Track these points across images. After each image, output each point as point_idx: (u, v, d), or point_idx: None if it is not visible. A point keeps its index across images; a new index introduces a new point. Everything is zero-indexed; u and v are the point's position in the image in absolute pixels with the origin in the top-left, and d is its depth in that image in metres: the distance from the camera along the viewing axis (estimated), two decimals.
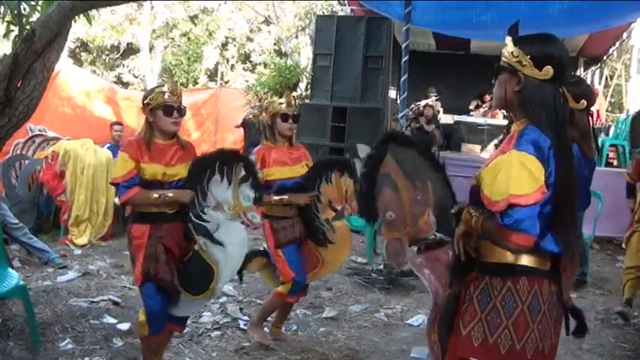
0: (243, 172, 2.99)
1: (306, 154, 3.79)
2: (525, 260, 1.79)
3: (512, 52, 1.82)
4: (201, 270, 2.91)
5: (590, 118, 2.78)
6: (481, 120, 9.66)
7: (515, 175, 1.70)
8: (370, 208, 2.37)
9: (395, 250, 2.36)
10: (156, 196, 2.85)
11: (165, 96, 2.90)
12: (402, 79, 6.49)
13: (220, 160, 2.96)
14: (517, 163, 1.71)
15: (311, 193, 3.59)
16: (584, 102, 2.70)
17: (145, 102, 2.93)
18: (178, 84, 3.09)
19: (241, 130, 10.59)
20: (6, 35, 3.93)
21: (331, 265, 3.80)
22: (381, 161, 2.35)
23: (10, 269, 3.53)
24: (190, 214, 2.89)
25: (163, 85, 2.99)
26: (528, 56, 1.78)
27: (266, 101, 3.96)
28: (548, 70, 1.77)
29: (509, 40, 1.84)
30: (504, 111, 2.14)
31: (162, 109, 2.89)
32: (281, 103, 3.63)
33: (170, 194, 2.87)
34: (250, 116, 10.13)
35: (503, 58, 1.86)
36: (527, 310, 1.76)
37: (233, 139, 11.32)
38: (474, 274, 1.87)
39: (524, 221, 1.67)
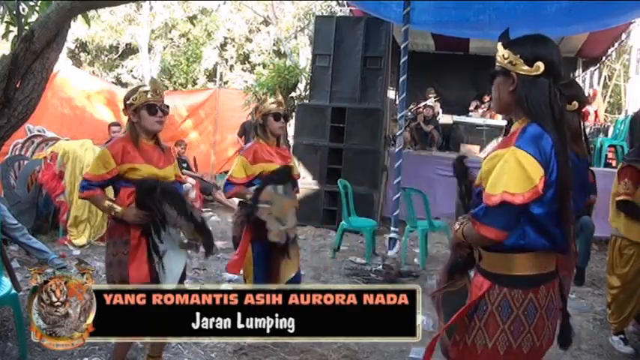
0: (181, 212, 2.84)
1: (291, 156, 3.93)
2: (539, 268, 1.84)
3: (503, 55, 1.87)
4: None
5: (581, 120, 2.81)
6: (480, 120, 9.67)
7: (510, 173, 1.74)
8: None
9: None
10: (106, 205, 2.84)
11: (149, 95, 2.87)
12: (401, 79, 6.50)
13: (160, 190, 2.81)
14: (513, 160, 1.74)
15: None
16: (575, 103, 2.76)
17: (128, 102, 2.89)
18: (160, 83, 3.06)
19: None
20: (5, 35, 3.94)
21: (279, 280, 3.76)
22: None
23: (3, 277, 3.53)
24: (152, 229, 2.81)
25: (146, 85, 2.95)
26: (518, 56, 1.83)
27: (261, 99, 4.03)
28: (539, 66, 1.81)
29: (499, 45, 1.89)
30: (505, 114, 2.20)
31: (146, 109, 2.87)
32: (272, 103, 3.72)
33: (118, 209, 2.81)
34: (249, 118, 10.14)
35: (496, 63, 1.91)
36: (545, 313, 1.84)
37: (232, 139, 11.30)
38: (485, 283, 1.89)
39: (492, 215, 1.75)
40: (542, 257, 1.83)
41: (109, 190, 3.01)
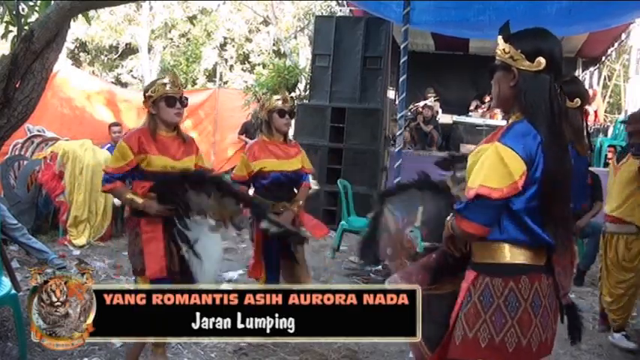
0: (219, 192, 2.93)
1: (300, 151, 3.86)
2: (523, 258, 1.82)
3: (504, 49, 1.85)
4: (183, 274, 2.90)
5: (584, 117, 2.81)
6: (480, 120, 9.66)
7: (490, 167, 1.74)
8: (373, 256, 2.73)
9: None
10: (128, 197, 2.88)
11: (167, 87, 2.92)
12: (401, 79, 6.49)
13: (188, 183, 2.89)
14: (495, 155, 1.75)
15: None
16: (578, 100, 2.77)
17: (147, 94, 2.94)
18: (178, 75, 3.12)
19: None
20: (5, 36, 3.94)
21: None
22: (381, 220, 2.59)
23: (3, 277, 3.53)
24: (176, 220, 2.86)
25: (164, 77, 3.01)
26: (519, 51, 1.82)
27: (265, 97, 4.02)
28: (541, 62, 1.80)
29: (500, 38, 1.87)
30: (503, 111, 2.23)
31: (165, 101, 2.92)
32: (277, 99, 3.72)
33: (139, 202, 2.86)
34: (249, 117, 10.15)
35: (496, 57, 1.89)
36: (530, 307, 1.79)
37: (232, 139, 11.30)
38: (471, 274, 1.89)
39: (472, 209, 1.75)
40: (525, 249, 1.82)
41: None
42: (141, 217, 2.90)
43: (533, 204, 1.78)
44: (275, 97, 3.79)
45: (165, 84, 2.93)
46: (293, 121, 8.31)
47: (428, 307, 2.04)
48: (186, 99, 3.04)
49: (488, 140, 1.85)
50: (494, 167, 1.74)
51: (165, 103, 2.92)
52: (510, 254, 1.82)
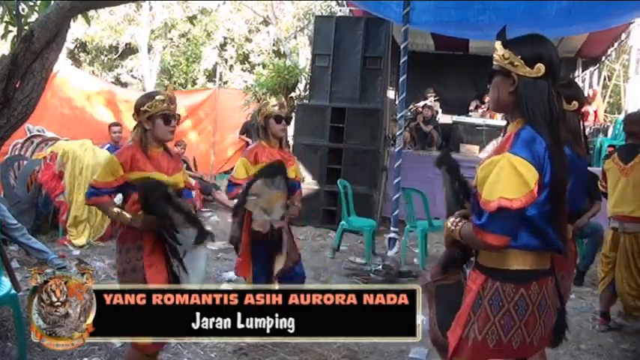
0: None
1: (294, 162, 3.91)
2: (532, 264, 1.85)
3: (502, 55, 1.86)
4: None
5: (581, 119, 2.83)
6: (480, 120, 9.66)
7: (506, 179, 1.75)
8: None
9: None
10: (114, 212, 2.83)
11: (165, 104, 2.87)
12: (401, 79, 6.49)
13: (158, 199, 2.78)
14: (508, 165, 1.76)
15: None
16: (575, 103, 2.79)
17: (143, 109, 2.87)
18: (173, 91, 3.08)
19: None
20: (4, 36, 3.94)
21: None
22: None
23: (3, 277, 3.53)
24: (165, 234, 2.79)
25: (161, 93, 2.94)
26: (519, 56, 1.83)
27: (263, 101, 4.00)
28: (540, 68, 1.81)
29: (498, 44, 1.89)
30: (502, 113, 2.25)
31: (162, 118, 2.87)
32: (274, 105, 3.73)
33: (127, 217, 2.80)
34: (250, 117, 10.17)
35: (495, 62, 1.91)
36: (537, 309, 1.85)
37: (232, 139, 11.30)
38: (480, 277, 1.91)
39: (495, 222, 1.75)
40: (535, 255, 1.85)
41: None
42: (142, 231, 2.81)
43: (546, 208, 1.81)
44: (271, 102, 3.79)
45: (163, 100, 2.88)
46: (293, 121, 8.37)
47: (439, 295, 2.14)
48: (179, 116, 3.03)
49: (497, 151, 1.86)
50: (509, 178, 1.75)
51: (162, 120, 2.88)
52: (520, 260, 1.85)
